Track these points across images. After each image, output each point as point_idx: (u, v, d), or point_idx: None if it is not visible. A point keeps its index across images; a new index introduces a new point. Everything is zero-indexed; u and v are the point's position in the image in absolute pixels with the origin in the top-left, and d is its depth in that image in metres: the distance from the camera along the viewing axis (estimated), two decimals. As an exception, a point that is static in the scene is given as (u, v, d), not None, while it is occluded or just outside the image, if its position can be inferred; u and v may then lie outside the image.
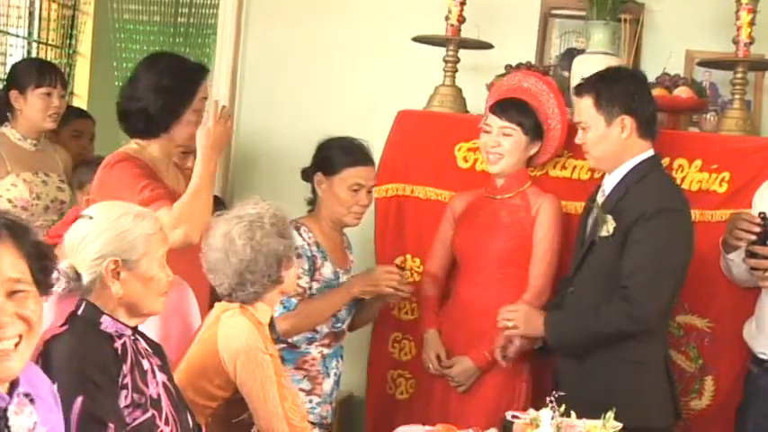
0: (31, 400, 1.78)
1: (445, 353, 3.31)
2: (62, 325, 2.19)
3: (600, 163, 3.09)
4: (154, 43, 5.60)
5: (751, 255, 2.98)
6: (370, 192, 3.33)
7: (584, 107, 3.02)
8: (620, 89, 3.00)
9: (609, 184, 3.05)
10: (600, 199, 3.05)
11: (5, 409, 1.72)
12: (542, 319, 3.02)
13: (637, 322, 2.91)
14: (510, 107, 3.28)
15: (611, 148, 3.01)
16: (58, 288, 2.11)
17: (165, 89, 3.00)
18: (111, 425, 2.08)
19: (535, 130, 3.28)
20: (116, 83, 5.60)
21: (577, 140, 3.10)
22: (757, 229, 2.96)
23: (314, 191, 3.35)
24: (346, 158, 3.27)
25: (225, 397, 2.55)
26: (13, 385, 1.76)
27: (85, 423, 2.04)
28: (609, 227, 2.93)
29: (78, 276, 2.20)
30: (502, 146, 3.25)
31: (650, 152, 3.04)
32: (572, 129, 3.32)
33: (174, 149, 3.15)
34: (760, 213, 3.00)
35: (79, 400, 2.05)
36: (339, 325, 3.31)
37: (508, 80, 3.42)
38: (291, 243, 2.70)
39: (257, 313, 2.63)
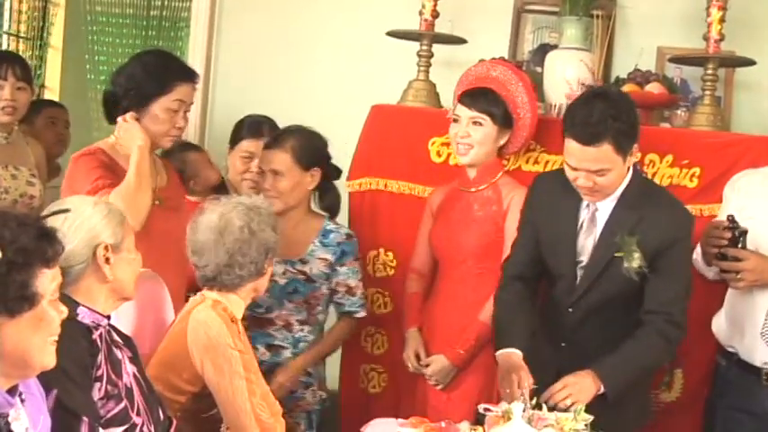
0: (23, 400, 1.83)
1: (424, 351, 3.30)
2: None
3: (607, 197, 2.90)
4: (126, 36, 5.54)
5: (722, 257, 3.00)
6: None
7: (602, 155, 2.76)
8: (631, 123, 2.81)
9: (604, 205, 2.91)
10: (589, 218, 2.93)
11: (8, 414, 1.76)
12: (591, 379, 2.76)
13: (679, 343, 2.94)
14: (479, 96, 3.25)
15: (622, 179, 2.88)
16: None
17: (137, 78, 3.05)
18: (85, 418, 2.08)
19: (505, 120, 3.25)
20: (88, 75, 5.56)
21: (583, 185, 2.83)
22: (728, 234, 2.98)
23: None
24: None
25: (193, 392, 2.55)
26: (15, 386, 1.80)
27: (59, 416, 2.04)
28: (637, 258, 2.82)
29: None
30: (471, 136, 3.22)
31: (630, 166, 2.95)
32: (546, 120, 3.35)
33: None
34: (728, 216, 3.01)
35: (53, 393, 2.05)
36: (260, 310, 3.27)
37: (476, 69, 3.39)
38: (278, 239, 2.72)
39: (230, 307, 2.62)
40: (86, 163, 2.99)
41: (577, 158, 2.81)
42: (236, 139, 3.65)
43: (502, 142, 3.28)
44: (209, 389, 2.52)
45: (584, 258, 2.94)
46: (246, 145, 3.59)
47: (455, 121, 3.27)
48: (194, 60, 4.20)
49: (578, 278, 2.95)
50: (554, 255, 3.00)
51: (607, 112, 2.75)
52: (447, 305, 3.29)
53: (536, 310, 3.07)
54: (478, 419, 2.57)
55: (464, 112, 3.24)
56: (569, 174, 2.86)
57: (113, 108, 3.08)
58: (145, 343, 2.64)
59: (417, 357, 3.30)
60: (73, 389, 2.09)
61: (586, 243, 2.94)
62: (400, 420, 2.71)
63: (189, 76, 3.11)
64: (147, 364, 2.56)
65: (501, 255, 3.19)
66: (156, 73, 3.05)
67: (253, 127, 3.61)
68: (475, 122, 3.22)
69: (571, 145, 2.81)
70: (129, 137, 2.99)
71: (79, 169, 2.99)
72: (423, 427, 2.57)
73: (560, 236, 2.97)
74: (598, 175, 2.80)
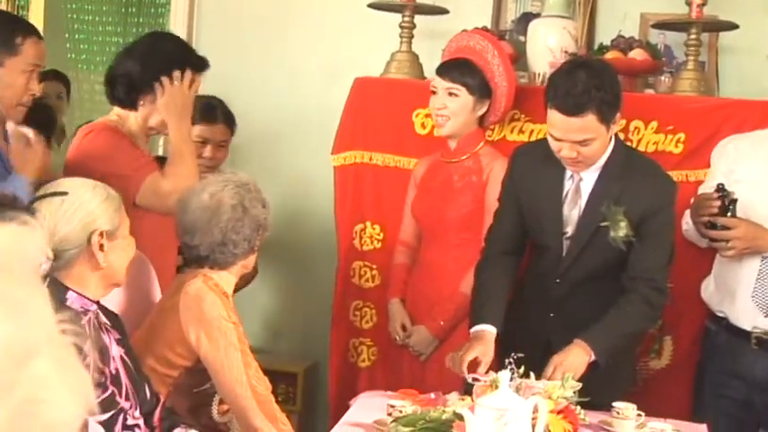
0: None
1: (409, 321, 3.32)
2: None
3: (590, 166, 2.89)
4: (106, 14, 5.50)
5: (711, 226, 3.00)
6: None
7: (586, 124, 2.75)
8: (614, 90, 2.80)
9: (588, 174, 2.90)
10: (573, 189, 2.92)
11: None
12: (579, 350, 2.79)
13: (662, 308, 2.98)
14: (455, 68, 3.24)
15: (606, 148, 2.88)
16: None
17: (152, 61, 2.98)
18: None
19: (482, 90, 3.24)
20: (68, 55, 5.52)
21: (567, 155, 2.81)
22: (717, 203, 2.98)
23: None
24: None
25: (186, 366, 2.55)
26: None
27: None
28: (624, 227, 2.82)
29: (53, 257, 2.16)
30: (448, 107, 3.21)
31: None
32: (530, 89, 3.34)
33: (149, 131, 3.08)
34: (718, 185, 3.01)
35: None
36: None
37: (457, 40, 3.38)
38: (268, 215, 2.71)
39: (221, 282, 2.62)
40: (115, 138, 2.93)
41: (561, 129, 2.79)
42: None
43: (480, 113, 3.26)
44: (202, 363, 2.52)
45: (570, 230, 2.94)
46: (200, 130, 3.47)
47: (433, 93, 3.26)
48: (175, 37, 4.17)
49: (564, 249, 2.95)
50: (539, 227, 2.99)
51: (590, 83, 2.73)
52: (429, 276, 3.29)
53: (517, 283, 3.05)
54: (467, 389, 2.57)
55: (440, 84, 3.23)
56: (553, 145, 2.85)
57: (129, 94, 3.00)
58: (132, 324, 2.63)
59: (403, 328, 3.31)
60: None
61: (571, 214, 2.94)
62: (389, 393, 2.71)
63: (198, 62, 3.05)
64: (135, 340, 2.56)
65: (482, 225, 3.18)
66: (167, 62, 2.98)
67: (207, 112, 3.49)
68: (451, 93, 3.21)
69: (555, 116, 2.79)
70: (180, 104, 2.95)
71: (108, 143, 2.92)
72: (412, 399, 2.58)
73: (545, 208, 2.96)
74: (582, 146, 2.79)
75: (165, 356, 2.55)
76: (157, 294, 2.81)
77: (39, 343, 0.85)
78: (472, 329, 2.86)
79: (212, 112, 3.50)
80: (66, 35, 5.54)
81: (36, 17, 5.45)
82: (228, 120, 3.52)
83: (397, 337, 3.32)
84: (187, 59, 3.02)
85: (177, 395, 2.56)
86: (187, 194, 2.66)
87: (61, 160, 4.39)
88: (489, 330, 2.81)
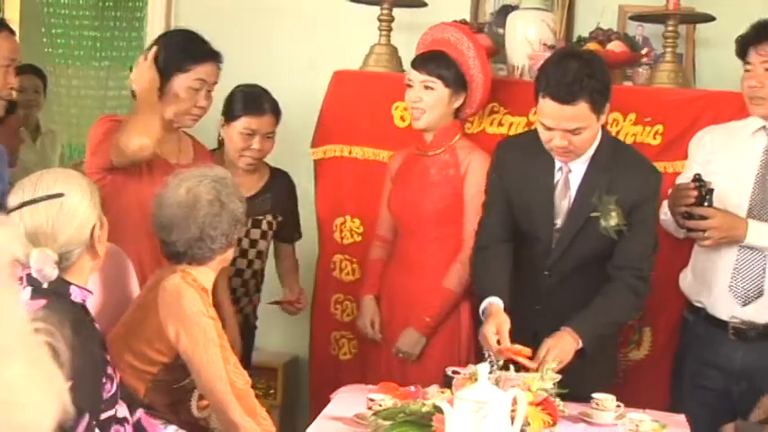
0: None
1: (379, 319, 3.33)
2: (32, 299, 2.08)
3: (581, 156, 2.91)
4: (83, 8, 5.46)
5: (689, 216, 3.02)
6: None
7: (579, 113, 2.78)
8: (604, 81, 2.83)
9: (577, 166, 2.93)
10: (563, 180, 2.94)
11: None
12: (568, 337, 2.78)
13: (646, 298, 3.01)
14: (430, 60, 3.23)
15: (595, 138, 2.91)
16: (45, 282, 2.08)
17: (160, 55, 3.04)
18: (87, 414, 1.99)
19: (458, 82, 3.23)
20: (45, 49, 5.48)
21: (558, 144, 2.83)
22: (694, 193, 3.00)
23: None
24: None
25: (165, 362, 2.54)
26: None
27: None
28: (615, 217, 2.85)
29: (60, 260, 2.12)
30: (423, 100, 3.21)
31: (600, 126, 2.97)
32: (509, 82, 3.35)
33: (167, 123, 3.08)
34: (695, 175, 3.03)
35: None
36: None
37: (432, 33, 3.37)
38: (245, 209, 2.70)
39: (199, 278, 2.61)
40: (102, 125, 3.05)
41: (554, 118, 2.80)
42: (232, 112, 3.43)
43: (456, 105, 3.26)
44: (180, 359, 2.51)
45: (559, 221, 2.95)
46: (248, 122, 3.38)
47: (409, 86, 3.26)
48: (153, 27, 4.17)
49: (554, 241, 2.96)
50: (529, 219, 3.00)
51: (582, 71, 2.76)
52: (406, 271, 3.29)
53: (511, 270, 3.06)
54: (447, 382, 2.57)
55: (416, 77, 3.23)
56: (543, 135, 2.86)
57: None
58: (110, 317, 2.62)
59: (372, 325, 3.32)
60: (83, 383, 1.96)
61: (561, 205, 2.95)
62: (370, 386, 2.72)
63: (210, 54, 3.09)
64: (113, 336, 2.55)
65: (460, 219, 3.19)
66: (177, 51, 3.05)
67: (253, 103, 3.41)
68: (426, 87, 3.21)
69: (547, 104, 2.80)
70: (139, 75, 3.01)
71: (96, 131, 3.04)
72: (392, 393, 2.58)
73: (535, 200, 2.97)
74: (574, 134, 2.81)
75: (144, 353, 2.54)
76: (135, 288, 2.79)
77: (9, 344, 0.84)
78: (481, 308, 2.88)
79: (259, 102, 3.41)
80: (43, 29, 5.50)
81: (12, 12, 5.41)
82: (275, 110, 3.43)
83: (367, 333, 3.33)
84: (188, 50, 3.06)
85: (156, 392, 2.55)
86: (163, 190, 2.64)
87: (37, 158, 4.35)
88: (495, 302, 2.84)
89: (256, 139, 3.39)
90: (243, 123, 3.37)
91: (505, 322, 2.77)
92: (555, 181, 2.95)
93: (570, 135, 2.80)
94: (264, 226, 3.46)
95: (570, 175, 2.94)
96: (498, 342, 2.70)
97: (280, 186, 3.53)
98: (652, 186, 2.95)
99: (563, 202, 2.95)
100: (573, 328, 2.78)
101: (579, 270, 2.94)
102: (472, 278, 3.07)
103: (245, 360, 3.26)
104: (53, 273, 2.09)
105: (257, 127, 3.38)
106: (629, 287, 2.89)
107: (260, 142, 3.39)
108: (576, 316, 2.82)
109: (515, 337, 2.73)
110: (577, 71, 2.76)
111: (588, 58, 2.87)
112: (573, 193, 2.93)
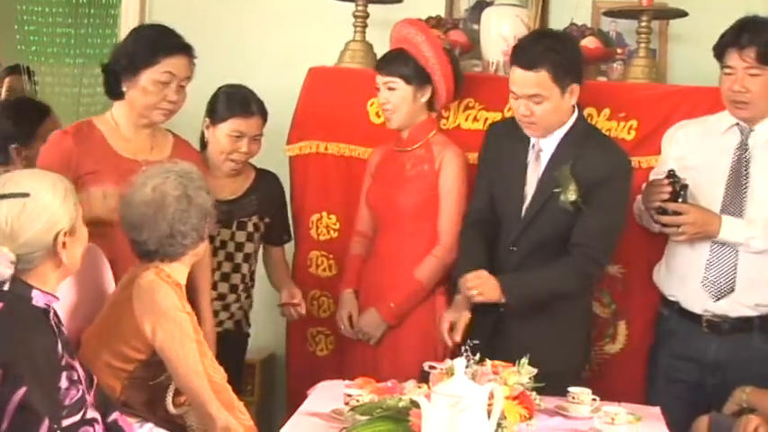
0: None
1: (357, 313, 3.32)
2: None
3: (546, 132, 3.01)
4: (56, 5, 5.42)
5: (662, 212, 3.05)
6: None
7: (540, 80, 2.91)
8: (571, 58, 2.97)
9: (548, 145, 3.02)
10: (534, 158, 3.04)
11: None
12: (496, 284, 2.94)
13: (592, 280, 3.08)
14: (388, 61, 3.27)
15: (561, 117, 3.00)
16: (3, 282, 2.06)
17: (129, 49, 3.01)
18: (47, 419, 1.99)
19: (419, 77, 3.24)
20: (18, 46, 5.43)
21: (522, 112, 2.97)
22: (668, 189, 3.03)
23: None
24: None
25: (142, 359, 2.53)
26: None
27: (21, 415, 1.96)
28: (573, 191, 2.92)
29: (18, 261, 2.10)
30: (390, 102, 3.24)
31: (577, 110, 3.05)
32: (484, 78, 3.36)
33: (137, 118, 3.05)
34: (669, 171, 3.06)
35: (21, 391, 1.96)
36: None
37: (394, 32, 3.37)
38: (213, 201, 2.69)
39: (173, 273, 2.61)
40: (46, 148, 3.00)
41: (518, 84, 2.96)
42: (219, 113, 3.36)
43: (424, 99, 3.28)
44: (157, 356, 2.50)
45: (529, 198, 3.04)
46: (236, 123, 3.32)
47: (378, 89, 3.27)
48: (127, 22, 4.14)
49: (522, 213, 3.03)
50: (502, 195, 3.11)
51: (549, 45, 2.94)
52: (382, 265, 3.30)
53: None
54: (423, 377, 2.58)
55: (379, 80, 3.27)
56: (513, 105, 3.02)
57: (115, 83, 3.02)
58: (85, 314, 2.61)
59: (350, 319, 3.32)
60: (40, 388, 2.00)
61: (531, 182, 3.04)
62: (347, 382, 2.72)
63: (178, 48, 3.03)
64: (88, 335, 2.54)
65: (436, 214, 3.23)
66: (147, 43, 3.00)
67: (242, 105, 3.34)
68: (389, 88, 3.24)
69: (515, 73, 2.97)
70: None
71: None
72: (369, 388, 2.58)
73: (508, 176, 3.09)
74: (534, 102, 2.93)
75: (121, 351, 2.53)
76: (110, 285, 2.78)
77: None
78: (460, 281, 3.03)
79: (246, 104, 3.34)
80: (16, 26, 5.45)
81: (-16, 9, 5.37)
82: (262, 111, 3.38)
83: (342, 327, 3.33)
84: (158, 42, 3.00)
85: (132, 389, 2.55)
86: (129, 189, 2.63)
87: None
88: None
89: (244, 142, 3.33)
90: (230, 125, 3.32)
91: (464, 315, 3.00)
92: (527, 159, 3.05)
93: (532, 105, 2.93)
94: (250, 228, 3.41)
95: (542, 153, 3.03)
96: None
97: (266, 187, 3.48)
98: (618, 168, 3.01)
99: (533, 175, 3.04)
100: (501, 281, 2.94)
101: (543, 248, 3.01)
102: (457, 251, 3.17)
103: (236, 370, 3.15)
104: (6, 272, 2.06)
105: (245, 129, 3.33)
106: (573, 263, 2.97)
107: (248, 145, 3.34)
108: (511, 273, 2.99)
109: (479, 314, 2.94)
110: (545, 44, 2.94)
111: (560, 37, 3.09)
112: (542, 168, 3.03)
